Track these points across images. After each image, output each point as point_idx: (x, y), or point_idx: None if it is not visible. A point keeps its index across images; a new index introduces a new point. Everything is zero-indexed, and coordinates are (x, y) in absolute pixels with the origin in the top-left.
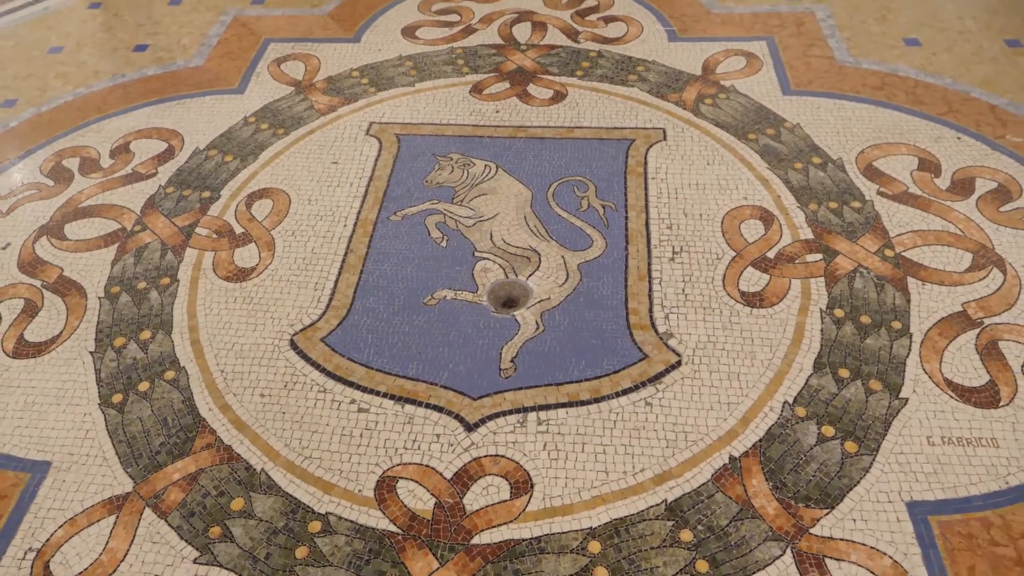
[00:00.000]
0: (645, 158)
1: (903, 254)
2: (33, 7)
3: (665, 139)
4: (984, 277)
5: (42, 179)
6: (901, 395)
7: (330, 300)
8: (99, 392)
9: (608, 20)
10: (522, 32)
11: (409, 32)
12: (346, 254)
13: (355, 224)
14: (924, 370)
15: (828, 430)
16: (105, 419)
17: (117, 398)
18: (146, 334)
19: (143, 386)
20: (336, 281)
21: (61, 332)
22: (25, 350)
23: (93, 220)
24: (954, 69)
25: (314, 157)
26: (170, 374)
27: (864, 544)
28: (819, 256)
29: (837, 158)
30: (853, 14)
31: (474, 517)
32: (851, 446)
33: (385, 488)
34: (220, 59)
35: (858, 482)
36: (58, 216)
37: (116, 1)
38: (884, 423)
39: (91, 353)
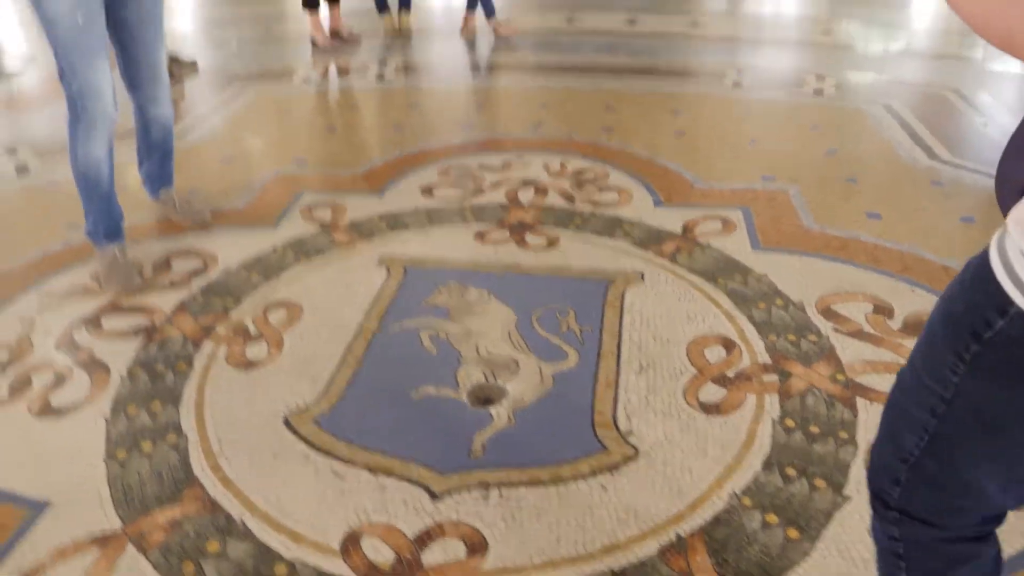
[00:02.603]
0: (623, 294)
1: (853, 379)
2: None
3: (643, 280)
4: None
5: (90, 282)
6: (844, 493)
7: (325, 390)
8: (106, 449)
9: (603, 189)
10: (526, 195)
11: (427, 191)
12: (345, 355)
13: (358, 332)
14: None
15: (772, 518)
16: (107, 470)
17: (121, 454)
18: (156, 406)
19: (146, 446)
20: (333, 375)
21: (82, 401)
22: (48, 412)
23: (127, 316)
24: (911, 237)
25: (329, 279)
26: (172, 438)
27: None
28: (775, 376)
29: (798, 301)
30: (822, 193)
31: (430, 572)
32: (793, 533)
33: (350, 542)
34: (259, 203)
35: (798, 563)
36: (99, 311)
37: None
38: (826, 515)
39: (105, 419)
